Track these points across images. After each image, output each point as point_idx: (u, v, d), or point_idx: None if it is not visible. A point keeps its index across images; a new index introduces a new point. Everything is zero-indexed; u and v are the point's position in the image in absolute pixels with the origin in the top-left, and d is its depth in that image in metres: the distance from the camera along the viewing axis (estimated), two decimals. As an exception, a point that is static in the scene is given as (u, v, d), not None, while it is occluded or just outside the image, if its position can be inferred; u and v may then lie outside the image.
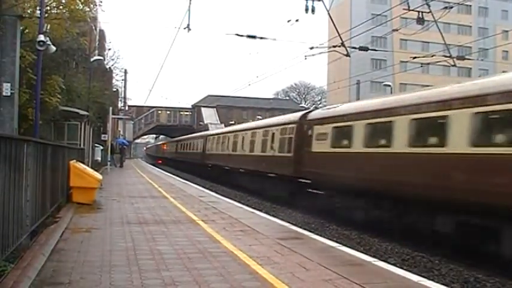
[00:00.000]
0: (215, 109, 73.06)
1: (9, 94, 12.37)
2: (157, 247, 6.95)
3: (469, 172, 8.97)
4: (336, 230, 12.22)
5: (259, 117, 51.95)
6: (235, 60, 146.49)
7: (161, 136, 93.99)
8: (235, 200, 15.15)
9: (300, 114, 17.92)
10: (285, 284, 5.19)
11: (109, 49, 38.72)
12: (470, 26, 73.19)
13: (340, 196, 13.37)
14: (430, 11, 16.56)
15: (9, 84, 12.35)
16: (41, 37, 12.53)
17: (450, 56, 17.79)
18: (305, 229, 9.77)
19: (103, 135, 32.16)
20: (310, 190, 14.72)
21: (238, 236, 8.05)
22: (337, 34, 16.84)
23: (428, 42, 56.07)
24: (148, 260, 6.16)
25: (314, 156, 15.23)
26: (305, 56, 19.01)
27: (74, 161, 12.50)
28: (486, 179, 8.48)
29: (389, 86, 37.85)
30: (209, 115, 70.62)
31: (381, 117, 11.89)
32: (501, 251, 8.24)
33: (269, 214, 12.47)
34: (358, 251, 7.75)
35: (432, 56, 19.10)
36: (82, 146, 21.30)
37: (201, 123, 68.76)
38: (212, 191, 18.72)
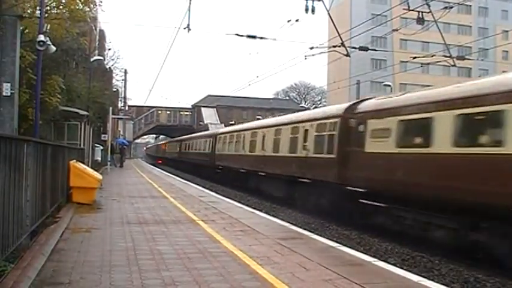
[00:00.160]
0: (215, 109, 73.06)
1: (9, 94, 12.37)
2: (157, 247, 6.95)
3: None
4: (336, 230, 12.22)
5: (259, 117, 51.80)
6: (235, 60, 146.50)
7: (161, 136, 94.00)
8: (235, 200, 15.16)
9: (344, 106, 14.68)
10: (285, 284, 5.19)
11: (109, 49, 38.82)
12: (470, 26, 73.19)
13: (412, 212, 10.44)
14: (430, 11, 16.55)
15: (9, 84, 12.35)
16: (41, 37, 12.53)
17: (450, 56, 17.79)
18: (305, 229, 9.76)
19: (103, 135, 32.16)
20: (364, 201, 11.87)
21: (238, 236, 8.05)
22: (337, 34, 16.84)
23: (428, 42, 56.06)
24: (148, 260, 6.16)
25: (369, 158, 12.05)
26: (305, 56, 19.01)
27: (74, 161, 12.50)
28: None
29: (389, 86, 37.85)
30: (209, 115, 70.62)
31: (485, 104, 8.73)
32: None
33: (269, 214, 12.47)
34: (358, 251, 7.75)
35: (432, 56, 19.09)
36: (82, 146, 21.30)
37: (201, 123, 68.76)
38: (212, 191, 18.71)
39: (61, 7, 15.45)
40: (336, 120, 14.30)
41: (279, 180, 18.03)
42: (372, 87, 59.76)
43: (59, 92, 16.19)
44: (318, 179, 14.62)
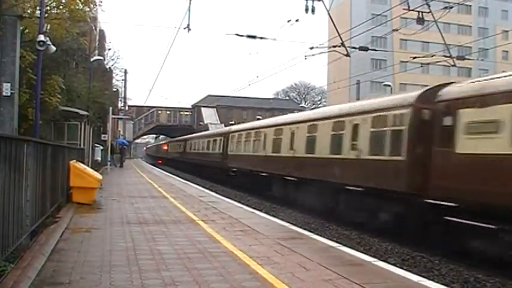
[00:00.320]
0: (215, 109, 73.08)
1: (9, 94, 12.36)
2: (157, 247, 6.95)
3: None
4: (336, 230, 12.22)
5: (259, 117, 51.71)
6: (235, 60, 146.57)
7: (161, 136, 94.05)
8: (235, 200, 15.16)
9: (415, 93, 11.59)
10: (285, 284, 5.18)
11: (109, 49, 38.82)
12: (470, 26, 73.19)
13: None
14: (430, 11, 16.56)
15: (9, 84, 12.35)
16: (41, 37, 12.53)
17: (450, 56, 17.79)
18: (305, 229, 9.77)
19: (103, 135, 32.16)
20: (453, 219, 9.06)
21: (238, 236, 8.05)
22: (337, 34, 16.84)
23: (428, 42, 56.06)
24: (148, 260, 6.16)
25: (464, 162, 9.16)
26: (305, 56, 19.00)
27: (74, 161, 12.51)
28: None
29: (389, 86, 37.86)
30: (209, 115, 70.64)
31: None
32: None
33: (269, 214, 12.47)
34: (358, 251, 7.76)
35: (432, 56, 19.10)
36: (82, 146, 21.30)
37: (201, 123, 68.79)
38: (212, 191, 18.71)
39: (61, 7, 15.45)
40: (404, 111, 11.19)
41: (314, 187, 14.66)
42: (372, 87, 59.79)
43: (59, 92, 16.18)
44: (375, 187, 11.64)
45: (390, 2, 59.31)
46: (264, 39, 18.99)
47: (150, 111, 73.04)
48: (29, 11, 14.79)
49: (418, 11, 16.93)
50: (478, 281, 7.77)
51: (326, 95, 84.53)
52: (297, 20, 18.95)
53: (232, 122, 54.54)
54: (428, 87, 11.75)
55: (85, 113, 22.47)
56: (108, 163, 29.12)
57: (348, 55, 17.42)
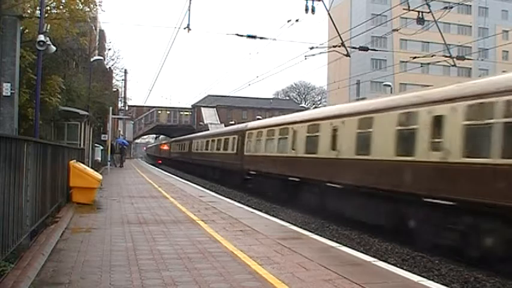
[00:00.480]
0: (215, 109, 73.10)
1: (9, 94, 12.36)
2: (157, 247, 6.95)
3: None
4: (336, 230, 12.22)
5: (259, 117, 51.68)
6: (235, 60, 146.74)
7: (161, 136, 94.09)
8: (235, 200, 15.15)
9: None
10: (285, 284, 5.18)
11: (109, 49, 38.91)
12: (470, 26, 73.18)
13: None
14: (430, 11, 16.55)
15: (9, 84, 12.35)
16: (41, 37, 12.52)
17: (450, 56, 17.79)
18: (305, 229, 9.77)
19: (103, 135, 32.16)
20: None
21: (238, 236, 8.05)
22: (337, 34, 16.84)
23: (428, 42, 56.10)
24: (148, 260, 6.16)
25: None
26: (305, 56, 18.99)
27: (74, 161, 12.51)
28: None
29: (389, 86, 37.86)
30: (209, 115, 70.67)
31: None
32: None
33: (269, 214, 12.47)
34: (358, 251, 7.76)
35: (432, 56, 19.09)
36: (82, 146, 21.30)
37: (201, 123, 68.82)
38: (212, 191, 18.71)
39: (61, 7, 15.44)
40: None
41: (368, 197, 11.94)
42: (372, 87, 59.82)
43: (59, 92, 16.19)
44: (479, 201, 8.56)
45: (390, 2, 59.28)
46: (264, 39, 19.00)
47: (150, 111, 73.10)
48: (29, 11, 14.79)
49: (418, 11, 16.93)
50: (478, 281, 7.77)
51: (326, 95, 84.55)
52: (297, 20, 18.93)
53: (232, 122, 54.54)
54: None
55: (85, 113, 22.47)
56: (108, 163, 29.12)
57: (348, 55, 17.41)
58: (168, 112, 76.50)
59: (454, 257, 9.01)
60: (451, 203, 9.20)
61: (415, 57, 19.70)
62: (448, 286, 6.73)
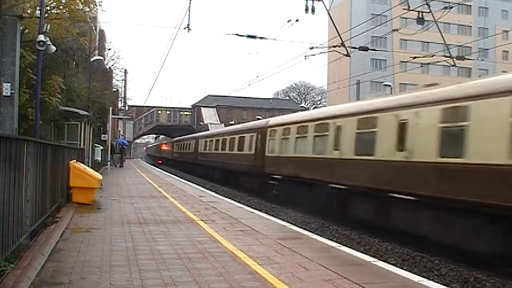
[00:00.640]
0: (215, 109, 73.10)
1: (9, 94, 12.37)
2: (157, 247, 6.95)
3: None
4: (336, 230, 12.22)
5: (259, 117, 51.60)
6: (235, 60, 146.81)
7: (161, 136, 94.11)
8: (235, 200, 15.14)
9: None
10: (285, 284, 5.18)
11: (109, 49, 38.98)
12: (470, 26, 73.21)
13: None
14: (430, 11, 16.55)
15: (9, 84, 12.35)
16: (41, 37, 12.52)
17: (450, 56, 17.80)
18: (305, 229, 9.76)
19: (103, 135, 32.16)
20: None
21: (238, 236, 8.05)
22: (337, 34, 16.84)
23: (428, 42, 56.15)
24: (148, 260, 6.16)
25: None
26: (305, 56, 19.00)
27: (74, 161, 12.51)
28: None
29: (389, 86, 37.83)
30: (209, 115, 70.66)
31: None
32: None
33: (269, 214, 12.47)
34: (358, 251, 7.76)
35: (432, 56, 19.09)
36: (82, 146, 21.30)
37: (201, 123, 68.82)
38: (212, 191, 18.71)
39: (61, 7, 15.45)
40: None
41: (454, 212, 9.11)
42: (372, 87, 59.85)
43: (59, 92, 16.20)
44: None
45: (390, 2, 59.31)
46: (264, 39, 19.02)
47: (150, 111, 73.12)
48: (29, 11, 14.79)
49: (418, 11, 16.93)
50: (478, 281, 7.77)
51: (326, 95, 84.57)
52: (297, 20, 18.94)
53: (232, 122, 54.46)
54: None
55: (85, 113, 22.47)
56: (108, 163, 29.12)
57: (348, 55, 17.41)
58: (168, 112, 76.53)
59: (454, 257, 9.01)
60: None
61: (415, 57, 19.71)
62: (448, 286, 6.73)
